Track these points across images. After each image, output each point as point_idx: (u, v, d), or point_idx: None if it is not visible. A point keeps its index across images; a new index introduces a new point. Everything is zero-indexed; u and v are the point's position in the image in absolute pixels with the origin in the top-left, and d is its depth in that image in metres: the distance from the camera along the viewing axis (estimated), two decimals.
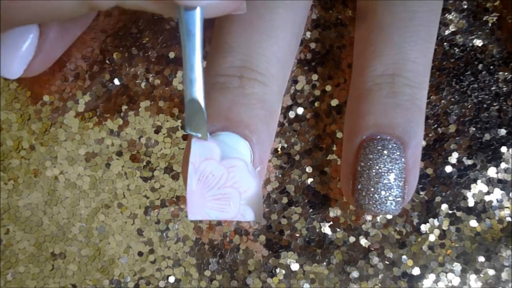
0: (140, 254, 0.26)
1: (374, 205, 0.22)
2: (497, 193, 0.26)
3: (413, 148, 0.22)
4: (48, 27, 0.23)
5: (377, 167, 0.22)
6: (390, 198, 0.22)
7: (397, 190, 0.22)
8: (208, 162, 0.21)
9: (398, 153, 0.22)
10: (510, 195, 0.26)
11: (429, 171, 0.26)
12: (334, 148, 0.26)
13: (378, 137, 0.22)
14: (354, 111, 0.23)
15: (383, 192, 0.22)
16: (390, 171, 0.22)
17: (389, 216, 0.26)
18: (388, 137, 0.22)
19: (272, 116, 0.22)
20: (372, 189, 0.22)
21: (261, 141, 0.22)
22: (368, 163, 0.22)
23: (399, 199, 0.22)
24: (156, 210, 0.26)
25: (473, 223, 0.25)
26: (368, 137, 0.22)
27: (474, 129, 0.26)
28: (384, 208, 0.22)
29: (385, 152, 0.22)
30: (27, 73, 0.24)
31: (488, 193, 0.26)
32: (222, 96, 0.21)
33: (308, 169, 0.26)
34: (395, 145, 0.22)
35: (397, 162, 0.22)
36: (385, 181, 0.22)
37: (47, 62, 0.24)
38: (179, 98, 0.27)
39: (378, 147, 0.22)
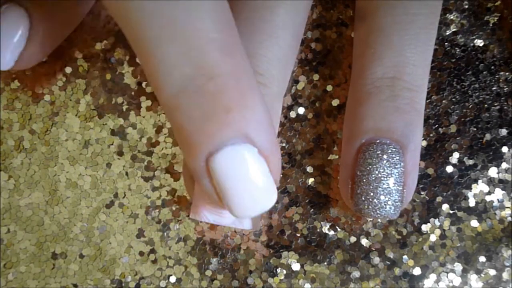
0: (141, 253, 0.26)
1: (373, 210, 0.22)
2: (498, 193, 0.26)
3: (412, 152, 0.22)
4: (39, 19, 0.23)
5: (377, 172, 0.22)
6: (390, 202, 0.22)
7: (396, 195, 0.22)
8: None
9: (397, 158, 0.22)
10: (511, 195, 0.26)
11: (430, 171, 0.26)
12: (335, 148, 0.26)
13: (378, 141, 0.22)
14: (353, 114, 0.23)
15: (382, 197, 0.22)
16: (390, 176, 0.22)
17: None
18: (388, 141, 0.22)
19: (272, 117, 0.22)
20: (372, 194, 0.22)
21: None
22: (368, 168, 0.22)
23: (398, 203, 0.22)
24: (157, 210, 0.26)
25: (474, 223, 0.25)
26: (367, 140, 0.22)
27: (475, 129, 0.26)
28: (383, 212, 0.22)
29: (385, 156, 0.22)
30: (19, 65, 0.24)
31: (489, 193, 0.26)
32: None
33: (309, 169, 0.26)
34: (394, 149, 0.22)
35: (396, 166, 0.22)
36: (384, 186, 0.22)
37: (39, 55, 0.24)
38: None
39: (377, 152, 0.22)
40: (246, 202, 0.18)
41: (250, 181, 0.17)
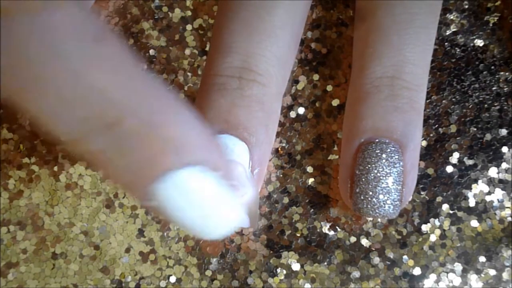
0: (141, 253, 0.26)
1: (372, 209, 0.22)
2: (498, 193, 0.26)
3: (411, 151, 0.22)
4: None
5: (376, 171, 0.22)
6: (388, 202, 0.22)
7: (395, 194, 0.22)
8: None
9: (396, 157, 0.22)
10: (511, 195, 0.26)
11: (430, 171, 0.26)
12: (335, 148, 0.26)
13: (377, 140, 0.22)
14: (353, 114, 0.23)
15: (381, 196, 0.22)
16: (389, 175, 0.22)
17: None
18: (387, 141, 0.22)
19: (271, 117, 0.22)
20: (371, 193, 0.22)
21: (260, 143, 0.22)
22: (367, 167, 0.22)
23: (397, 202, 0.22)
24: None
25: (474, 223, 0.25)
26: (366, 140, 0.22)
27: (475, 129, 0.26)
28: (382, 211, 0.22)
29: (384, 156, 0.22)
30: None
31: (489, 193, 0.26)
32: (221, 98, 0.21)
33: (309, 169, 0.26)
34: (393, 148, 0.22)
35: (396, 165, 0.22)
36: (383, 185, 0.22)
37: None
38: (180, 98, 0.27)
39: (376, 151, 0.22)
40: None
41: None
